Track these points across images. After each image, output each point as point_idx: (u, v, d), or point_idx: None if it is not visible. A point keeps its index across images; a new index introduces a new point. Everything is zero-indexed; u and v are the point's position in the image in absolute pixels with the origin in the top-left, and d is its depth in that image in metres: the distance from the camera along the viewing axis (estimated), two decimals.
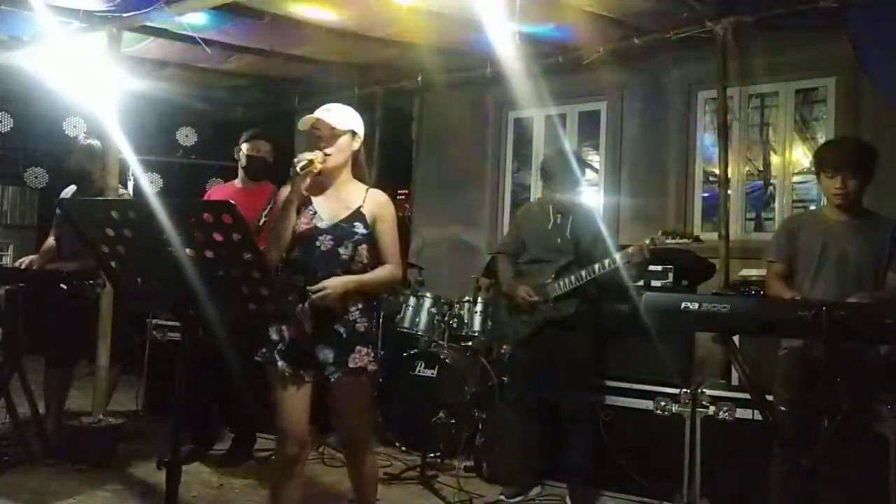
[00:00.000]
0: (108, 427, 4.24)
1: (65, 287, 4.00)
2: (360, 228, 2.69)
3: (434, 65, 5.89)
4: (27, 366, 4.22)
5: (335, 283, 2.58)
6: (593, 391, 4.01)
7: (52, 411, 4.36)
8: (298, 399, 2.68)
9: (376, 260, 2.74)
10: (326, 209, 2.72)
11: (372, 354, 2.70)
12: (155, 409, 5.10)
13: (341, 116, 2.74)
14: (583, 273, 3.78)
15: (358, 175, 2.82)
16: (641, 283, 4.07)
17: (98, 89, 4.53)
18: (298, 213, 2.69)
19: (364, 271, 2.70)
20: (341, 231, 2.67)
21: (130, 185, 5.59)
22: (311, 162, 2.63)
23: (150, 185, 6.38)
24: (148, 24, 4.66)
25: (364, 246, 2.70)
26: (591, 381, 4.00)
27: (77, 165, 4.43)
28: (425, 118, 6.93)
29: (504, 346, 4.10)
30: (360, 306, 2.69)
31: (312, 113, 2.74)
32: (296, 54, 5.57)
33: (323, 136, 2.70)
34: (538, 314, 3.88)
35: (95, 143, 4.45)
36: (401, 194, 7.14)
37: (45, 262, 4.33)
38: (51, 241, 4.46)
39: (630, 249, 3.69)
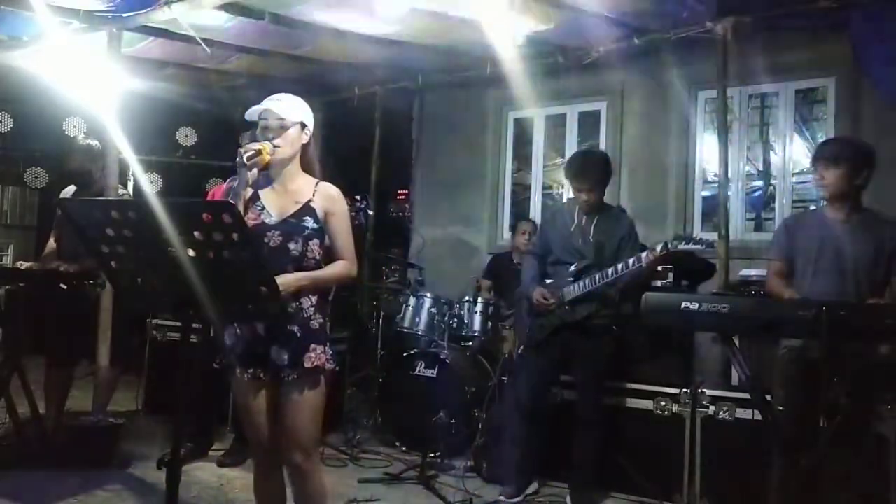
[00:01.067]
0: (108, 427, 4.24)
1: (65, 287, 4.00)
2: (309, 223, 2.56)
3: (434, 65, 5.90)
4: (27, 366, 4.22)
5: (287, 281, 2.41)
6: (608, 394, 3.98)
7: (51, 411, 4.35)
8: (261, 402, 2.56)
9: (329, 255, 2.62)
10: (274, 204, 2.59)
11: (329, 353, 2.57)
12: (155, 409, 5.10)
13: (291, 107, 2.61)
14: (597, 276, 3.75)
15: (308, 169, 2.68)
16: None
17: (98, 89, 4.53)
18: (247, 209, 2.55)
19: (317, 267, 2.58)
20: (290, 226, 2.54)
21: (130, 184, 5.59)
22: (259, 152, 2.48)
23: (150, 185, 6.38)
24: (148, 24, 4.66)
25: (315, 241, 2.56)
26: (604, 386, 3.96)
27: (77, 165, 4.43)
28: (425, 118, 6.93)
29: (520, 347, 4.08)
30: (313, 302, 2.56)
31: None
32: (296, 54, 5.57)
33: (271, 127, 2.56)
34: (554, 316, 3.87)
35: (95, 143, 4.45)
36: (401, 194, 7.14)
37: (46, 265, 4.32)
38: (52, 242, 4.46)
39: (643, 255, 3.64)
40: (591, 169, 3.88)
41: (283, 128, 2.57)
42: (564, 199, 6.06)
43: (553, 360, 3.93)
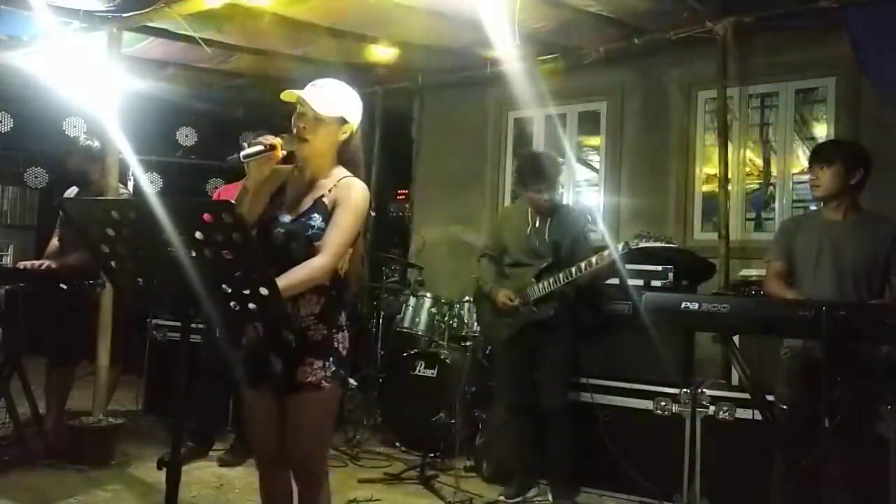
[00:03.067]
0: (108, 427, 4.24)
1: (65, 287, 4.00)
2: (317, 221, 2.30)
3: (434, 65, 5.90)
4: (27, 366, 4.22)
5: None
6: (572, 389, 4.04)
7: (52, 411, 4.36)
8: (262, 411, 2.40)
9: (352, 259, 2.37)
10: (294, 201, 2.37)
11: (330, 370, 2.32)
12: (155, 409, 5.10)
13: (330, 99, 2.34)
14: (560, 276, 3.82)
15: (348, 165, 2.41)
16: (641, 282, 4.07)
17: (98, 89, 4.53)
18: (269, 205, 2.38)
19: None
20: (297, 225, 2.31)
21: (130, 184, 5.60)
22: (271, 147, 2.26)
23: (150, 185, 6.39)
24: (148, 24, 4.67)
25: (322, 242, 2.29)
26: (570, 380, 4.03)
27: (77, 166, 4.43)
28: (425, 118, 6.92)
29: (488, 347, 4.14)
30: (314, 311, 2.31)
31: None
32: (296, 54, 5.57)
33: (306, 116, 2.32)
34: (519, 316, 3.92)
35: (95, 143, 4.45)
36: (401, 194, 7.14)
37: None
38: (54, 241, 4.46)
39: (605, 252, 3.70)
40: (548, 168, 3.93)
41: (318, 120, 2.33)
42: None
43: (521, 359, 3.97)
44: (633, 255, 3.74)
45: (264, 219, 2.37)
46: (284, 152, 2.31)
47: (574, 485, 4.00)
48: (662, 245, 3.66)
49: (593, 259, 3.73)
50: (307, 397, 2.32)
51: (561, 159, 4.29)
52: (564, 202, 4.36)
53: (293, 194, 2.39)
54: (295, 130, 2.34)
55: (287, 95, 2.36)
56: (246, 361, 2.43)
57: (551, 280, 3.84)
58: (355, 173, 2.41)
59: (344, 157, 2.42)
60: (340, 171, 2.41)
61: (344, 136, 2.40)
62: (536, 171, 3.92)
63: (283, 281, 2.11)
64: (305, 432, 2.36)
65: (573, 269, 3.78)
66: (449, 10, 4.47)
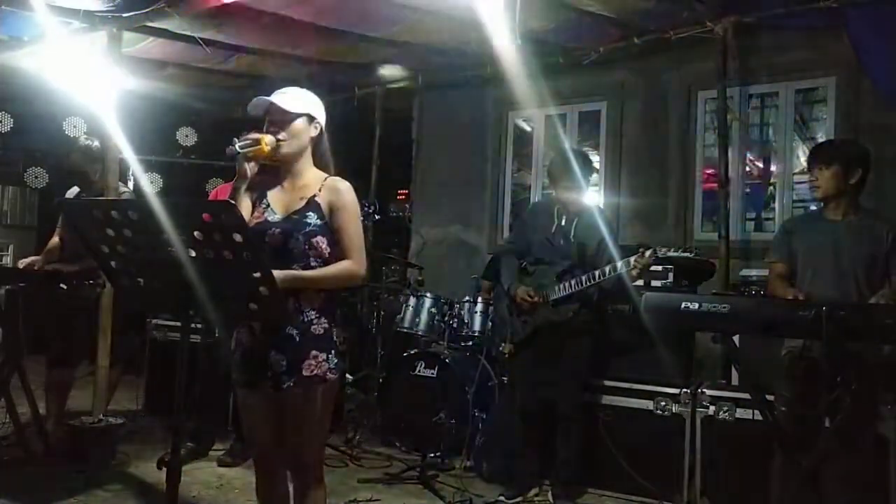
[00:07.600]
0: (108, 427, 4.24)
1: (65, 287, 4.00)
2: (312, 219, 2.39)
3: (434, 65, 5.90)
4: (27, 366, 4.22)
5: (280, 277, 2.14)
6: (587, 391, 4.02)
7: (52, 411, 4.36)
8: (260, 410, 2.44)
9: (342, 253, 2.44)
10: (280, 202, 2.46)
11: (333, 362, 2.40)
12: (155, 409, 5.10)
13: (296, 99, 2.48)
14: (583, 278, 3.77)
15: (321, 164, 2.53)
16: (641, 283, 4.06)
17: (98, 89, 4.53)
18: (254, 207, 2.46)
19: (325, 266, 2.41)
20: (292, 223, 2.39)
21: (130, 184, 5.60)
22: (257, 141, 2.36)
23: (150, 184, 6.39)
24: (148, 24, 4.67)
25: (320, 238, 2.38)
26: (585, 382, 4.01)
27: (77, 166, 4.43)
28: (425, 118, 6.93)
29: (502, 345, 4.12)
30: (315, 305, 2.39)
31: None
32: (296, 54, 5.58)
33: (275, 121, 2.44)
34: (538, 315, 3.89)
35: (95, 143, 4.45)
36: (401, 194, 7.15)
37: (48, 261, 4.32)
38: (55, 240, 4.45)
39: (632, 260, 3.60)
40: (580, 167, 3.90)
41: (288, 121, 2.44)
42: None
43: (536, 359, 3.95)
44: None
45: (254, 223, 2.41)
46: (269, 147, 2.40)
47: (577, 487, 4.00)
48: (689, 256, 3.62)
49: (619, 264, 3.63)
50: (313, 390, 2.38)
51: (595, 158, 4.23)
52: (593, 203, 4.27)
53: (278, 197, 2.49)
54: (265, 134, 2.43)
55: (254, 107, 2.47)
56: (242, 361, 2.44)
57: (573, 281, 3.79)
58: (326, 167, 2.55)
59: (316, 157, 2.54)
60: (319, 172, 2.53)
61: (315, 133, 2.51)
62: (568, 169, 3.88)
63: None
64: (308, 425, 2.41)
65: (597, 273, 3.71)
66: (449, 10, 4.47)
